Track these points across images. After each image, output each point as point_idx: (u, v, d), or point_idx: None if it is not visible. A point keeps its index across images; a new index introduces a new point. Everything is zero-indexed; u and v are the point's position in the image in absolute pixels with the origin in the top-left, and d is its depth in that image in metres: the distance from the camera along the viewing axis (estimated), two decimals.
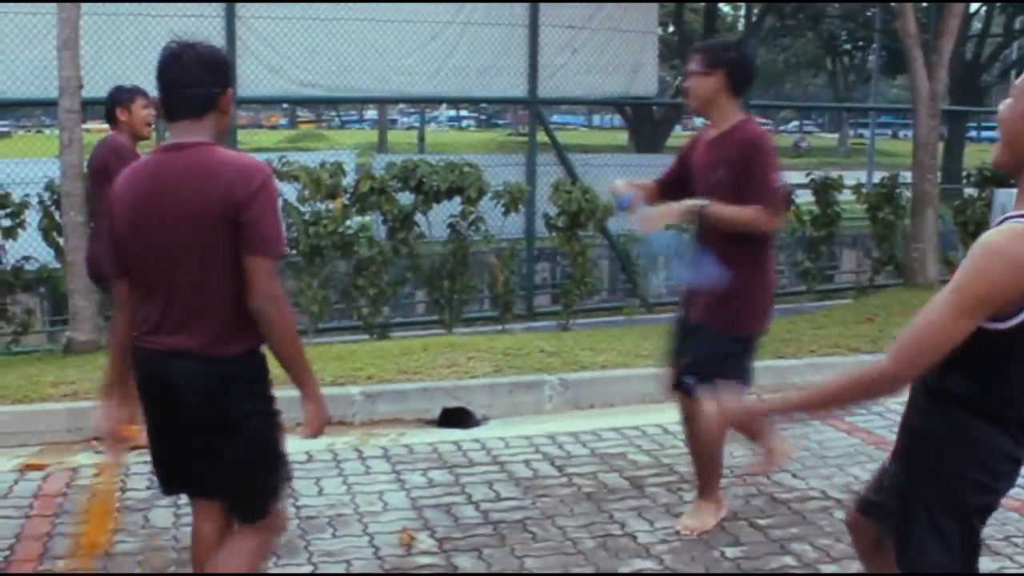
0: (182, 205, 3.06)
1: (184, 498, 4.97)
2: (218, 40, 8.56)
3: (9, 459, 5.54)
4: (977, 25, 26.82)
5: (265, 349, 3.23)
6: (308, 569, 4.24)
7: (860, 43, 28.97)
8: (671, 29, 25.26)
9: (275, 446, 3.30)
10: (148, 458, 5.59)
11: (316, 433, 3.28)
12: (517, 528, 4.71)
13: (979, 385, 2.53)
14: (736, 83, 4.53)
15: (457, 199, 9.00)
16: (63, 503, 4.97)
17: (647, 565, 4.34)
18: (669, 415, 6.40)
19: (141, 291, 3.21)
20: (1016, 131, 2.46)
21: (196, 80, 3.14)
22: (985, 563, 4.37)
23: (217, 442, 3.19)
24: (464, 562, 4.36)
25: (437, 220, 9.07)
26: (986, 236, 2.40)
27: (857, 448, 5.79)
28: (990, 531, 4.71)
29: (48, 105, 8.22)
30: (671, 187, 4.73)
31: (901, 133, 36.62)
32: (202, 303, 3.11)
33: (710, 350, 4.44)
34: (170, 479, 3.41)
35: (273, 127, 45.41)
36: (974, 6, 24.14)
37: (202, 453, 3.24)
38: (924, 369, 2.46)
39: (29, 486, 5.20)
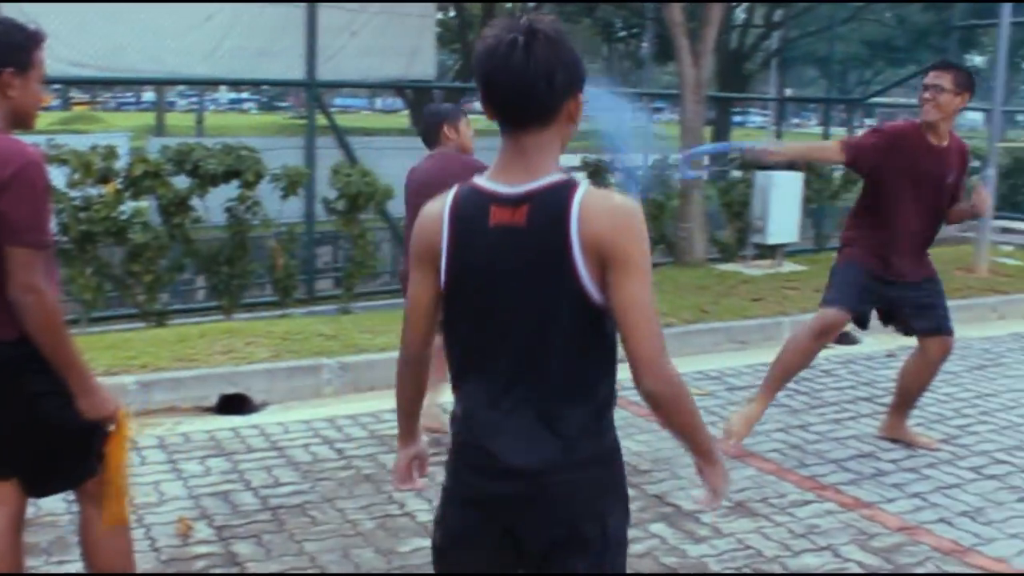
0: None
1: None
2: None
3: None
4: (742, 15, 27.98)
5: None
6: (80, 567, 4.14)
7: (634, 30, 29.80)
8: (452, 13, 25.37)
9: (73, 424, 3.21)
10: None
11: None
12: (296, 513, 4.73)
13: None
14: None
15: (235, 183, 8.86)
16: None
17: (426, 543, 4.42)
18: (447, 394, 6.54)
19: None
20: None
21: None
22: (744, 523, 4.69)
23: (12, 423, 3.16)
24: (243, 549, 4.35)
25: (215, 204, 8.91)
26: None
27: (628, 420, 6.01)
28: (750, 493, 5.04)
29: None
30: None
31: (665, 117, 38.05)
32: None
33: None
34: None
35: (45, 108, 43.20)
36: None
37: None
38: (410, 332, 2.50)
39: None
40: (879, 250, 5.54)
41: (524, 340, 2.30)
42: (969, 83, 5.40)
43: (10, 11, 8.85)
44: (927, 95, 5.40)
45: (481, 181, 2.34)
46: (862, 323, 5.74)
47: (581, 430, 2.31)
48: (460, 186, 2.37)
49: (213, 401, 6.24)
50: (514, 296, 2.29)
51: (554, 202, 2.25)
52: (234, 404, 6.25)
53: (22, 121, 3.21)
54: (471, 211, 2.31)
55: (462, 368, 2.41)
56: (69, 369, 3.13)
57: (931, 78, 5.42)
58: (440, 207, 2.35)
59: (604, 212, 2.23)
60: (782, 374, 5.64)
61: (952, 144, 5.51)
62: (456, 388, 2.44)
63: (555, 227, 2.23)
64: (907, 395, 5.82)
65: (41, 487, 3.42)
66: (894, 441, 5.86)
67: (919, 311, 5.62)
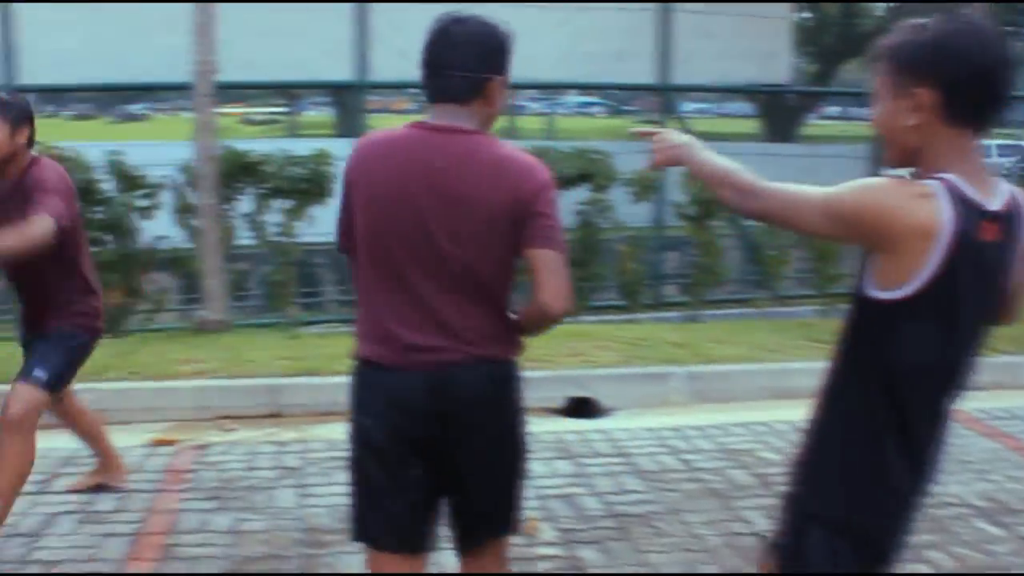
0: None
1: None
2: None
3: (140, 434, 5.65)
4: None
5: None
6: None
7: None
8: (807, 14, 24.74)
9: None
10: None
11: None
12: (641, 522, 4.59)
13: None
14: None
15: (586, 186, 8.96)
16: (192, 478, 5.05)
17: None
18: (799, 412, 6.21)
19: None
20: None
21: None
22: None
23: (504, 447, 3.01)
24: (587, 554, 4.27)
25: (565, 206, 9.00)
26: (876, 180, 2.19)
27: (998, 454, 5.52)
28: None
29: (183, 89, 8.31)
30: None
31: None
32: None
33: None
34: None
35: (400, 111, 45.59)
36: None
37: None
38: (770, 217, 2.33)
39: (159, 461, 5.29)
40: None
41: None
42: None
43: (379, 25, 9.35)
44: None
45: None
46: None
47: None
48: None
49: (560, 403, 6.24)
50: None
51: None
52: (580, 407, 6.22)
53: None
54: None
55: None
56: None
57: None
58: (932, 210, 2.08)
59: None
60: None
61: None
62: None
63: None
64: None
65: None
66: None
67: None
